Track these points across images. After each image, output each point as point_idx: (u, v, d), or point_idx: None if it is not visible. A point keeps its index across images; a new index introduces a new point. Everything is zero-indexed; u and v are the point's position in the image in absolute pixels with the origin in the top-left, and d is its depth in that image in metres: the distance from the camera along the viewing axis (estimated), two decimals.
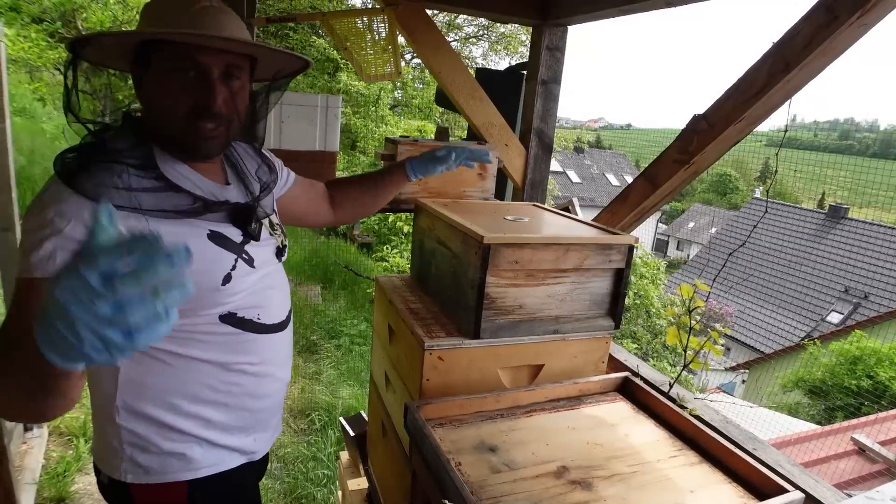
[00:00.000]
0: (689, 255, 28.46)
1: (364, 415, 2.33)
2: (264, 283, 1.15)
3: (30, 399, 0.76)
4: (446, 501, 0.93)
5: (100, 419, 1.09)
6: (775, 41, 1.20)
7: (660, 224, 31.47)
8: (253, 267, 1.11)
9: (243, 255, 1.09)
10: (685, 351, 1.51)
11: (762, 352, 15.17)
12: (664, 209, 31.65)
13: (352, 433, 2.26)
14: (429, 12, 2.06)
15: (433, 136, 2.15)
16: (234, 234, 1.09)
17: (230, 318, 1.08)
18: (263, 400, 1.19)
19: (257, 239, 1.14)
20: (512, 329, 1.45)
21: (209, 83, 0.98)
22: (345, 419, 2.35)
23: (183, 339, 1.04)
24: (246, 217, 1.10)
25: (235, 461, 1.17)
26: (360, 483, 2.22)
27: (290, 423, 3.80)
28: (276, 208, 1.32)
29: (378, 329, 1.88)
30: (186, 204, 1.00)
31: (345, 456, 2.46)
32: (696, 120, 1.43)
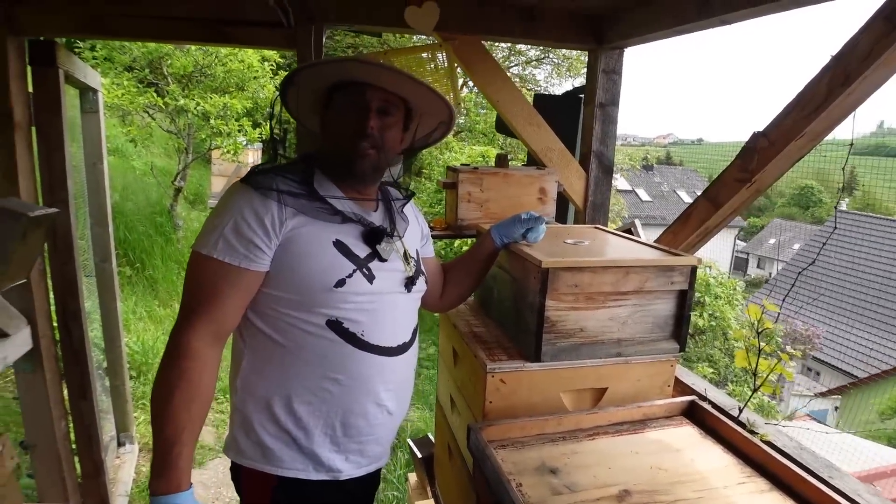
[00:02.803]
0: (770, 274, 26.94)
1: (431, 437, 2.37)
2: (379, 303, 1.23)
3: None
4: None
5: (231, 403, 1.29)
6: (833, 54, 1.17)
7: (738, 241, 30.03)
8: (371, 283, 1.21)
9: (364, 270, 1.21)
10: (755, 374, 1.46)
11: (856, 376, 14.07)
12: (741, 226, 30.18)
13: (419, 455, 2.30)
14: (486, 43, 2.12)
15: (493, 164, 2.20)
16: (361, 250, 1.23)
17: (335, 326, 1.19)
18: (358, 419, 1.24)
19: (383, 260, 1.25)
20: (573, 352, 1.45)
21: (367, 111, 1.21)
22: (413, 441, 2.39)
23: (294, 333, 1.18)
24: (375, 237, 1.25)
25: (317, 475, 1.24)
26: None
27: None
28: (419, 257, 1.43)
29: (443, 352, 1.93)
30: (324, 210, 1.21)
31: (413, 478, 2.50)
32: (757, 137, 1.41)
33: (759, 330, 1.49)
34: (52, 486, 2.15)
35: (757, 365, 1.47)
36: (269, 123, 1.29)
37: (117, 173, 7.12)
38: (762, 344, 1.49)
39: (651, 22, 1.82)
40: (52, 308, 2.28)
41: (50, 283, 2.29)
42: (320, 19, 1.98)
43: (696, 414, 1.41)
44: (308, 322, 1.18)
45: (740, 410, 1.48)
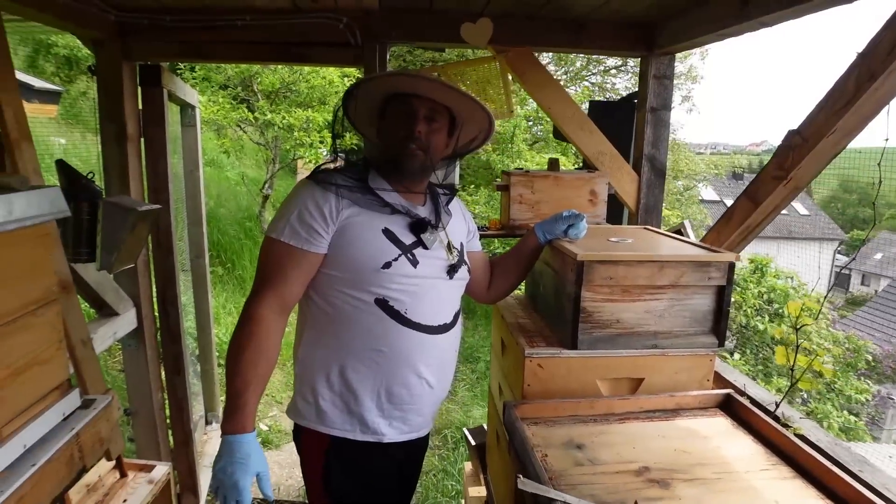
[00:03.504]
0: (875, 291, 24.81)
1: (486, 427, 2.48)
2: (421, 286, 1.38)
3: None
4: (520, 476, 1.05)
5: (294, 371, 1.46)
6: (860, 51, 1.20)
7: (839, 255, 27.88)
8: (415, 268, 1.37)
9: (408, 255, 1.37)
10: (792, 370, 1.49)
11: None
12: (842, 238, 28.01)
13: (473, 443, 2.42)
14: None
15: (546, 167, 2.30)
16: (407, 238, 1.39)
17: (382, 304, 1.35)
18: (401, 388, 1.39)
19: (427, 247, 1.40)
20: (609, 342, 1.53)
21: (415, 116, 1.39)
22: (468, 430, 2.52)
23: (347, 309, 1.36)
24: (420, 227, 1.41)
25: (363, 436, 1.40)
26: (479, 491, 2.36)
27: None
28: (464, 250, 1.57)
29: (494, 343, 2.04)
30: (375, 202, 1.38)
31: (469, 467, 2.63)
32: (791, 135, 1.44)
33: (798, 326, 1.51)
34: (149, 449, 2.46)
35: (795, 360, 1.50)
36: (331, 131, 1.48)
37: (212, 182, 7.75)
38: (801, 341, 1.51)
39: (695, 27, 1.87)
40: (154, 295, 2.61)
41: (152, 274, 2.62)
42: (383, 38, 2.19)
43: (731, 407, 1.44)
44: (359, 299, 1.35)
45: (777, 405, 1.50)
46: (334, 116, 1.48)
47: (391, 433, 1.42)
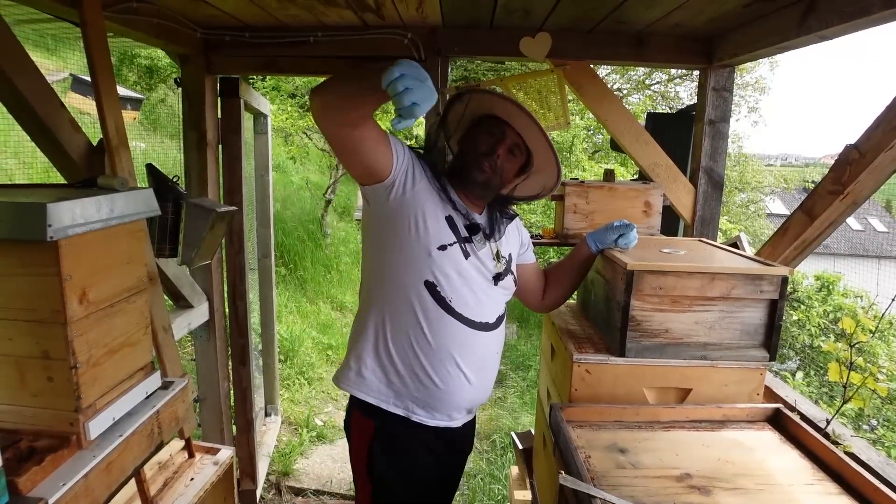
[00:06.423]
0: None
1: (533, 432, 2.52)
2: (468, 282, 1.47)
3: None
4: (562, 472, 1.11)
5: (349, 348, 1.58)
6: None
7: None
8: (466, 259, 1.47)
9: (462, 245, 1.47)
10: (845, 387, 1.47)
11: None
12: None
13: (521, 447, 2.46)
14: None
15: (602, 178, 2.33)
16: (463, 231, 1.49)
17: (430, 287, 1.44)
18: (436, 379, 1.47)
19: (475, 250, 1.49)
20: (657, 351, 1.56)
21: (502, 141, 1.50)
22: (516, 434, 2.56)
23: (400, 288, 1.45)
24: (474, 229, 1.51)
25: (395, 409, 1.49)
26: (525, 495, 2.40)
27: (475, 444, 4.11)
28: (512, 261, 1.64)
29: (544, 349, 2.09)
30: (443, 192, 1.48)
31: (515, 470, 2.67)
32: (848, 150, 1.43)
33: (853, 343, 1.49)
34: (214, 434, 2.63)
35: (848, 378, 1.48)
36: (434, 130, 1.64)
37: (278, 186, 8.11)
38: (856, 357, 1.49)
39: (755, 40, 1.87)
40: (224, 291, 2.80)
41: (224, 271, 2.80)
42: (445, 52, 2.28)
43: (779, 421, 1.43)
44: (410, 279, 1.45)
45: (828, 422, 1.49)
46: (439, 115, 1.61)
47: (421, 414, 1.50)
